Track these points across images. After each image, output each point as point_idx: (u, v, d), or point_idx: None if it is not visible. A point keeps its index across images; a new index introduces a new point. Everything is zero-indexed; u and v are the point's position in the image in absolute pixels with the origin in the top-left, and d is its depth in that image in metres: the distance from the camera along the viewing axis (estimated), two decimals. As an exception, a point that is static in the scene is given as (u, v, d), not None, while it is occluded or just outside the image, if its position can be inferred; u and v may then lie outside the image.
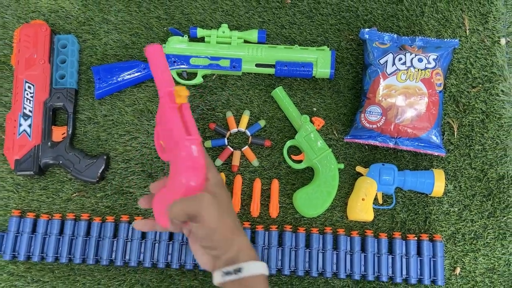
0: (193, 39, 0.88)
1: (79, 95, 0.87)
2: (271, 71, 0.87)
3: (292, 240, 0.81)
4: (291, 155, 0.85)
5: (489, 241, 0.83)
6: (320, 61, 0.86)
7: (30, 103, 0.83)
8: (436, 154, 0.82)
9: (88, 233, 0.82)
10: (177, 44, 0.86)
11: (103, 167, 0.83)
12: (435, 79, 0.82)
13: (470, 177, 0.85)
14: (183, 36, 0.87)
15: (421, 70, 0.82)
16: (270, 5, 0.91)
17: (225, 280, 0.61)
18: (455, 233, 0.83)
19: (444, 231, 0.83)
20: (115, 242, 0.81)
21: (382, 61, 0.84)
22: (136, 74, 0.86)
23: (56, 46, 0.86)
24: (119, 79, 0.86)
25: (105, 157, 0.83)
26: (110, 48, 0.89)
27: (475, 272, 0.82)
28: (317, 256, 0.81)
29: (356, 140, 0.84)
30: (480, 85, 0.88)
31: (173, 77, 0.86)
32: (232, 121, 0.86)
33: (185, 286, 0.80)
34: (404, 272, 0.81)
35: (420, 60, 0.83)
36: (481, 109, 0.88)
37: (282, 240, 0.81)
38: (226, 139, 0.85)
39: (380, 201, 0.84)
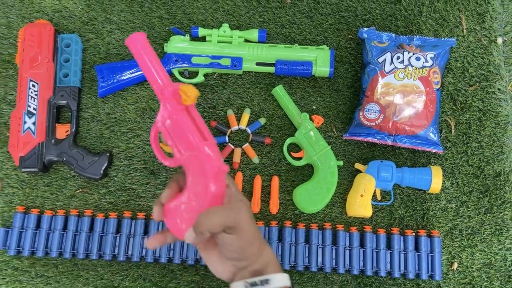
0: (195, 38, 0.90)
1: (82, 93, 0.89)
2: (271, 69, 0.88)
3: (292, 236, 0.82)
4: (291, 152, 0.87)
5: (486, 237, 0.84)
6: (320, 60, 0.87)
7: (34, 101, 0.85)
8: (434, 151, 0.84)
9: (91, 228, 0.83)
10: (179, 43, 0.88)
11: (106, 164, 0.84)
12: (432, 77, 0.84)
13: (467, 174, 0.87)
14: (184, 36, 0.88)
15: (419, 68, 0.84)
16: (270, 5, 0.92)
17: None
18: (453, 229, 0.85)
19: (442, 227, 0.84)
20: (117, 237, 0.82)
21: (380, 59, 0.85)
22: (139, 73, 0.87)
23: (60, 45, 0.87)
24: (121, 77, 0.87)
25: (108, 154, 0.85)
26: (113, 47, 0.90)
27: (472, 267, 0.83)
28: (317, 251, 0.82)
29: (355, 138, 0.85)
30: (477, 84, 0.90)
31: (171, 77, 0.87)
32: (233, 119, 0.87)
33: (187, 281, 0.82)
34: (402, 267, 0.82)
35: (417, 59, 0.84)
36: (478, 107, 0.89)
37: (282, 236, 0.83)
38: (227, 136, 0.87)
39: (379, 198, 0.85)
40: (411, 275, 0.81)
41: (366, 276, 0.83)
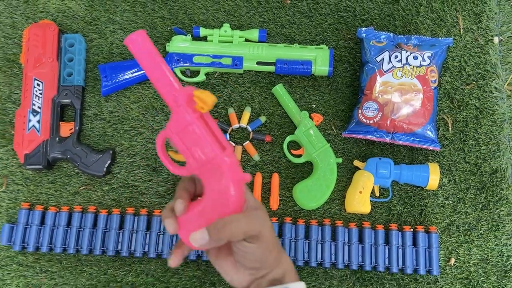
0: (196, 38, 0.91)
1: (86, 92, 0.90)
2: (272, 69, 0.90)
3: (292, 232, 0.84)
4: (291, 150, 0.88)
5: (482, 233, 0.86)
6: (319, 59, 0.89)
7: (39, 99, 0.86)
8: (431, 148, 0.85)
9: (94, 225, 0.84)
10: (181, 43, 0.89)
11: (109, 161, 0.86)
12: (429, 76, 0.85)
13: (464, 171, 0.88)
14: (186, 35, 0.90)
15: (416, 67, 0.85)
16: (271, 5, 0.94)
17: None
18: (450, 225, 0.86)
19: (439, 223, 0.86)
20: (120, 233, 0.83)
21: (378, 58, 0.86)
22: (141, 72, 0.88)
23: (64, 45, 0.89)
24: (124, 77, 0.88)
25: (111, 151, 0.86)
26: (116, 47, 0.92)
27: (469, 263, 0.85)
28: (316, 247, 0.83)
29: (354, 135, 0.86)
30: (474, 82, 0.91)
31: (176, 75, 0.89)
32: (234, 117, 0.89)
33: (189, 276, 0.83)
34: (400, 262, 0.83)
35: (415, 58, 0.85)
36: (475, 105, 0.90)
37: (282, 232, 0.84)
38: (228, 134, 0.88)
39: (377, 194, 0.86)
40: (409, 270, 0.82)
41: (365, 271, 0.84)
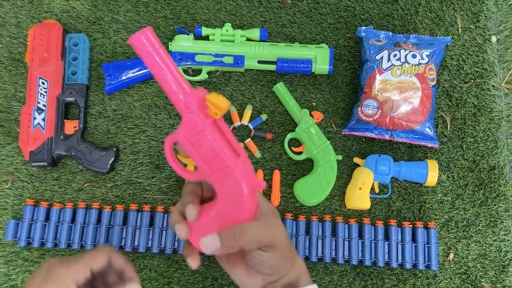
0: (198, 37, 0.92)
1: (90, 90, 0.91)
2: (272, 67, 0.91)
3: (293, 228, 0.85)
4: (292, 147, 0.89)
5: (481, 229, 0.87)
6: (319, 58, 0.90)
7: (44, 98, 0.87)
8: (430, 145, 0.86)
9: (98, 221, 0.86)
10: (183, 42, 0.90)
11: (113, 158, 0.87)
12: (428, 74, 0.86)
13: (463, 168, 0.89)
14: (188, 35, 0.91)
15: (415, 65, 0.86)
16: (271, 5, 0.95)
17: None
18: (449, 221, 0.87)
19: (438, 219, 0.87)
20: (124, 229, 0.85)
21: (378, 57, 0.88)
22: (144, 71, 0.90)
23: (68, 44, 0.90)
24: (128, 75, 0.90)
25: (114, 149, 0.88)
26: (119, 46, 0.93)
27: (467, 258, 0.86)
28: (317, 242, 0.84)
29: (354, 133, 0.88)
30: (472, 81, 0.93)
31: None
32: (235, 115, 0.90)
33: (191, 271, 0.84)
34: (399, 258, 0.84)
35: (414, 56, 0.87)
36: (473, 103, 0.92)
37: (283, 228, 0.85)
38: (229, 132, 0.89)
39: (377, 191, 0.88)
40: (408, 265, 0.83)
41: (365, 266, 0.85)
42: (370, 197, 0.86)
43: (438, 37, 0.90)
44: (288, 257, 0.56)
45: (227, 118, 0.90)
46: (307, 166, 0.89)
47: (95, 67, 0.92)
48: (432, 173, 0.85)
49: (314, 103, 0.91)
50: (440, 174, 0.88)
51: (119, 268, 0.60)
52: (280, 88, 0.89)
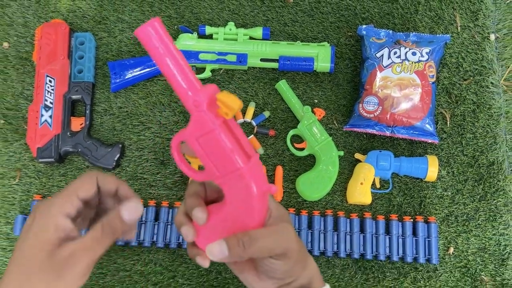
0: (202, 36, 0.94)
1: (96, 88, 0.93)
2: (275, 65, 0.92)
3: (295, 222, 0.86)
4: (294, 143, 0.91)
5: (480, 223, 0.88)
6: (321, 56, 0.91)
7: (51, 95, 0.89)
8: (430, 141, 0.88)
9: (104, 216, 0.87)
10: (187, 41, 0.92)
11: (118, 155, 0.88)
12: (428, 71, 0.88)
13: (462, 163, 0.91)
14: (192, 34, 0.92)
15: (415, 62, 0.88)
16: (274, 4, 0.97)
17: None
18: (449, 215, 0.88)
19: (438, 213, 0.88)
20: (130, 224, 0.86)
21: (378, 54, 0.89)
22: (148, 69, 0.92)
23: (75, 43, 0.92)
24: (133, 73, 0.91)
25: (120, 145, 0.89)
26: (124, 45, 0.95)
27: (467, 252, 0.87)
28: (319, 236, 0.86)
29: (355, 129, 0.89)
30: (471, 78, 0.94)
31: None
32: (239, 112, 0.92)
33: (196, 265, 0.86)
34: (400, 251, 0.85)
35: (413, 54, 0.88)
36: (472, 100, 0.93)
37: (286, 222, 0.86)
38: (233, 128, 0.91)
39: (378, 186, 0.89)
40: (409, 259, 0.85)
41: (366, 260, 0.86)
42: (371, 192, 0.88)
43: (438, 35, 0.92)
44: (301, 261, 0.54)
45: (231, 115, 0.92)
46: (309, 162, 0.91)
47: (101, 65, 0.94)
48: (432, 169, 0.87)
49: (316, 100, 0.93)
50: (440, 170, 0.90)
51: (110, 191, 0.53)
52: (283, 86, 0.91)
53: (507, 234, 0.87)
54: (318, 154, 0.88)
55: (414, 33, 0.91)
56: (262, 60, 0.92)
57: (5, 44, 0.95)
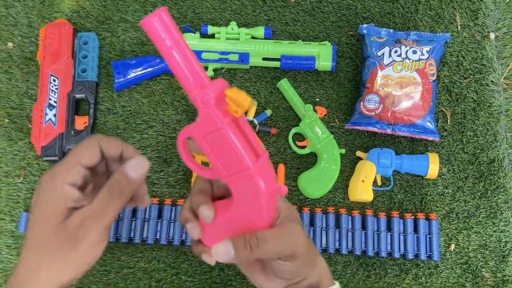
0: (204, 35, 0.95)
1: (99, 87, 0.94)
2: (277, 64, 0.93)
3: (297, 219, 0.87)
4: (296, 142, 0.91)
5: (481, 220, 0.89)
6: (322, 55, 0.92)
7: (55, 94, 0.90)
8: (431, 139, 0.88)
9: (108, 213, 0.88)
10: (190, 41, 0.93)
11: (122, 153, 0.89)
12: (428, 69, 0.89)
13: (463, 161, 0.91)
14: (195, 33, 0.93)
15: (415, 61, 0.89)
16: (275, 4, 0.98)
17: None
18: (449, 212, 0.89)
19: (439, 210, 0.89)
20: (133, 221, 0.87)
21: (379, 53, 0.90)
22: (152, 68, 0.92)
23: (78, 43, 0.93)
24: (136, 73, 0.92)
25: (123, 144, 0.90)
26: (127, 44, 0.96)
27: (468, 248, 0.88)
28: (321, 233, 0.86)
29: (356, 127, 0.90)
30: (471, 76, 0.95)
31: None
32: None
33: (199, 262, 0.86)
34: (402, 248, 0.86)
35: (414, 52, 0.89)
36: (472, 98, 0.94)
37: (288, 219, 0.87)
38: (235, 127, 0.91)
39: (379, 183, 0.90)
40: (410, 256, 0.85)
41: (368, 257, 0.87)
42: (373, 190, 0.88)
43: (438, 34, 0.93)
44: (310, 260, 0.53)
45: (233, 113, 0.93)
46: (311, 160, 0.91)
47: (104, 65, 0.95)
48: (433, 166, 0.87)
49: (317, 99, 0.94)
50: (441, 167, 0.90)
51: (114, 155, 0.50)
52: (284, 84, 0.92)
53: (507, 231, 0.88)
54: (319, 152, 0.89)
55: (414, 32, 0.92)
56: (264, 59, 0.93)
57: (10, 44, 0.96)
